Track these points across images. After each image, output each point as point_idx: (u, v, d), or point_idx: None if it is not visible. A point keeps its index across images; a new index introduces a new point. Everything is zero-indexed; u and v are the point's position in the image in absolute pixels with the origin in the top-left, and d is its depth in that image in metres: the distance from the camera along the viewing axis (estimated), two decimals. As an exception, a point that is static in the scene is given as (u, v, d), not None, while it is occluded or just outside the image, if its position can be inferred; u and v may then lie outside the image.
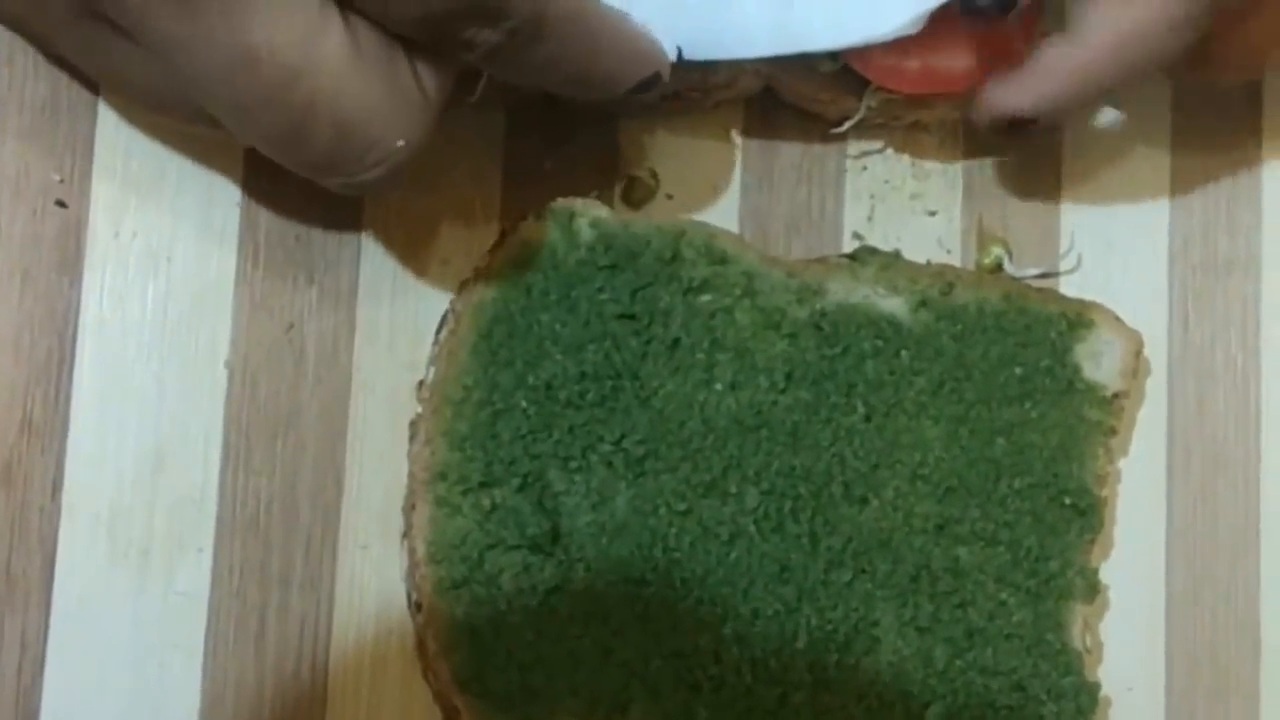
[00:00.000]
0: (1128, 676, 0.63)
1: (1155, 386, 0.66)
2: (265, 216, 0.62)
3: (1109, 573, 0.63)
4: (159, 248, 0.61)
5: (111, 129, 0.61)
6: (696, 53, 0.59)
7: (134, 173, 0.61)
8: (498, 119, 0.64)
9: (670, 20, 0.59)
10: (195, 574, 0.60)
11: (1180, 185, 0.67)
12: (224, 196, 0.62)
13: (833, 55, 0.61)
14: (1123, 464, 0.65)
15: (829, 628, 0.60)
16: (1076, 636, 0.62)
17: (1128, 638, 0.64)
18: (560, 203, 0.61)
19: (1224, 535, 0.65)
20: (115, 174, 0.61)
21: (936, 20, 0.60)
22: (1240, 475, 0.66)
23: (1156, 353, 0.66)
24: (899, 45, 0.60)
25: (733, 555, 0.59)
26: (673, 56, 0.59)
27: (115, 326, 0.61)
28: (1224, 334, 0.66)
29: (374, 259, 0.62)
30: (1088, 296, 0.64)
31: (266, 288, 0.62)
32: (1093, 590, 0.62)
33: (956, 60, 0.62)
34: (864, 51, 0.60)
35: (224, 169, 0.62)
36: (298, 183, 0.61)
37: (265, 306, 0.62)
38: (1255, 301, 0.67)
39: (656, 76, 0.57)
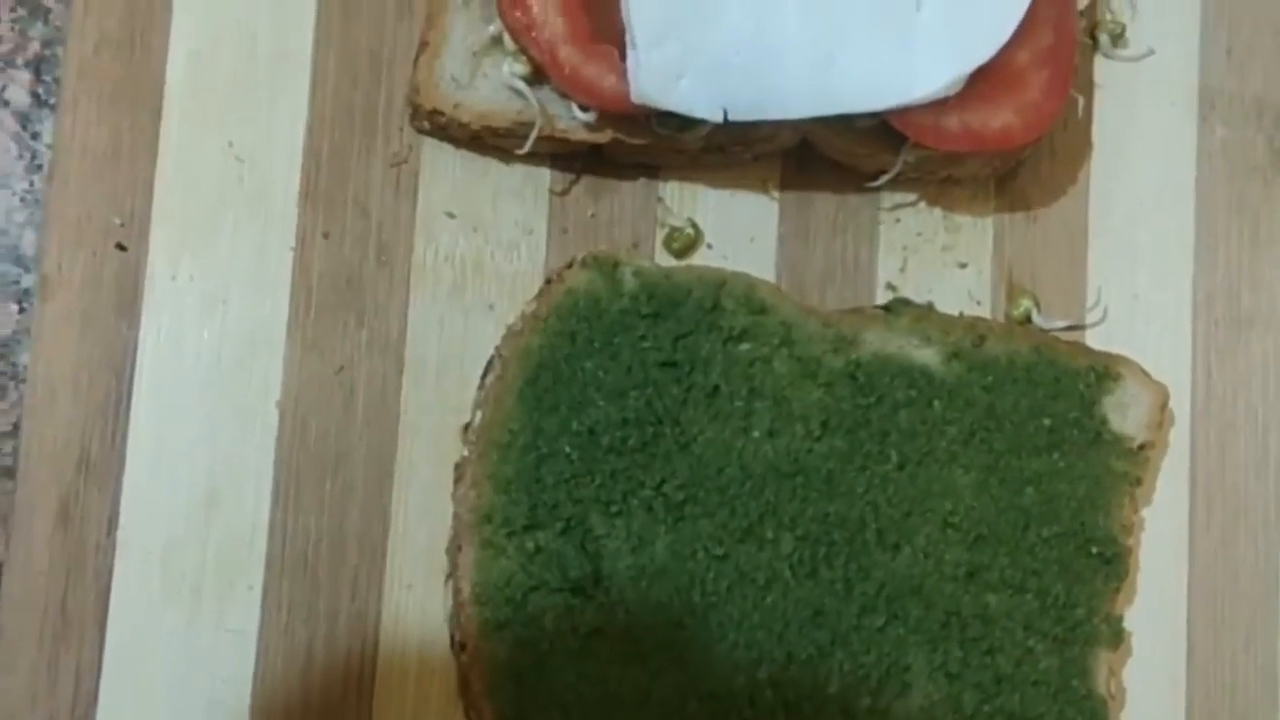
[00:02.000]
0: (1150, 723, 0.64)
1: (1178, 437, 0.67)
2: (318, 261, 0.63)
3: (1132, 620, 0.64)
4: (215, 290, 0.62)
5: (170, 174, 0.63)
6: (741, 114, 0.61)
7: (192, 217, 0.63)
8: (544, 169, 0.65)
9: (717, 82, 0.60)
10: (245, 611, 0.61)
11: (1204, 241, 0.69)
12: (278, 241, 0.63)
13: (872, 112, 0.62)
14: (1146, 513, 0.66)
15: (861, 672, 0.60)
16: (1101, 683, 0.63)
17: (1150, 684, 0.65)
18: (604, 251, 0.62)
19: (1244, 583, 0.66)
20: (174, 218, 0.62)
21: (974, 80, 0.62)
22: (1260, 524, 0.67)
23: (1180, 404, 0.67)
24: (938, 103, 0.62)
25: (768, 600, 0.60)
26: (719, 118, 0.60)
27: (171, 367, 0.62)
28: (1245, 387, 0.68)
29: (422, 304, 0.64)
30: (1114, 349, 0.66)
31: (318, 330, 0.63)
32: (1117, 637, 0.63)
33: (993, 118, 0.63)
34: (903, 109, 0.62)
35: (279, 214, 0.63)
36: (350, 228, 0.63)
37: (316, 349, 0.63)
38: (1276, 355, 0.68)
39: None
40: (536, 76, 0.62)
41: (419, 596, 0.61)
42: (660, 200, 0.66)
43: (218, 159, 0.63)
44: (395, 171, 0.64)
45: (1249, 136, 0.69)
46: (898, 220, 0.67)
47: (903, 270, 0.67)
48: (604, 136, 0.63)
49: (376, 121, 0.64)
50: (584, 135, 0.63)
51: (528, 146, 0.62)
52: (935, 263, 0.67)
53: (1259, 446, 0.67)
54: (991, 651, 0.62)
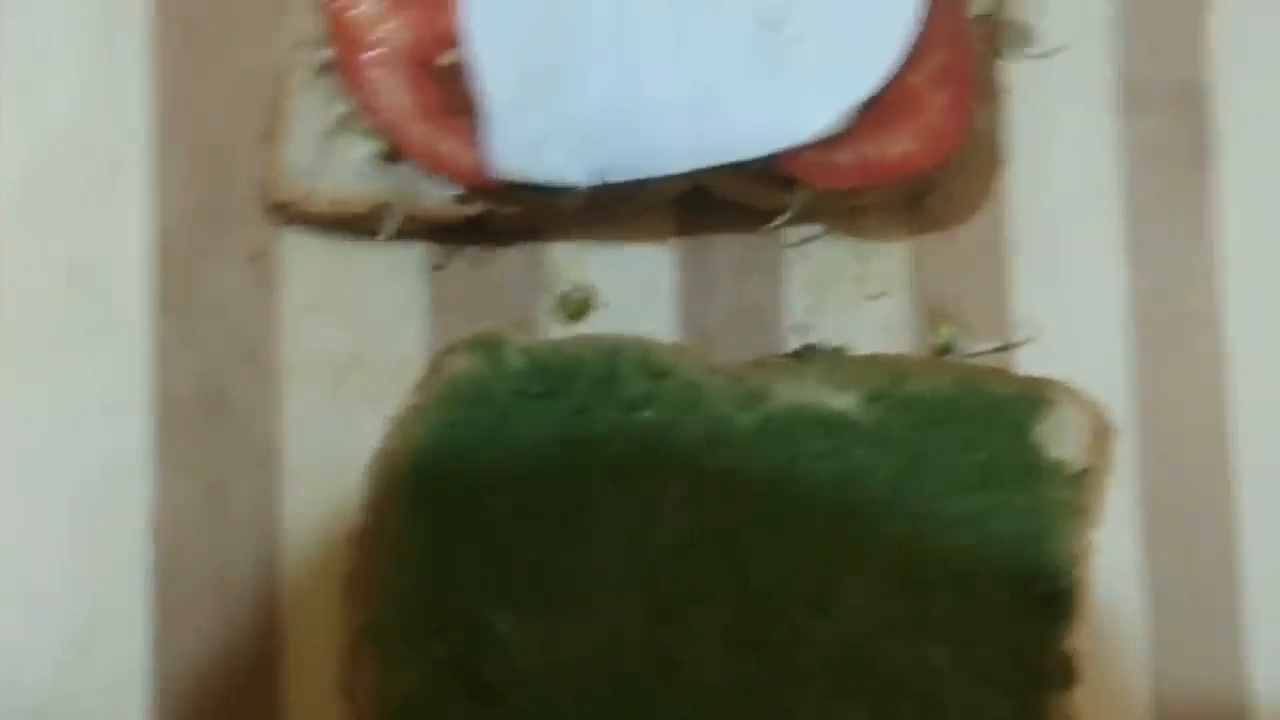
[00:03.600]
0: (1116, 761, 0.62)
1: (1126, 451, 0.64)
2: (179, 375, 0.60)
3: (1090, 651, 0.61)
4: (68, 423, 0.60)
5: (3, 305, 0.60)
6: (615, 174, 0.58)
7: (32, 348, 0.60)
8: (417, 248, 0.62)
9: (585, 145, 0.57)
10: (134, 760, 0.58)
11: (1136, 241, 0.65)
12: (133, 359, 0.60)
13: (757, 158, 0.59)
14: (1097, 536, 0.63)
15: (806, 746, 0.58)
16: (1060, 725, 0.60)
17: (1113, 716, 0.62)
18: (485, 332, 0.60)
19: (1206, 601, 0.63)
20: (10, 352, 0.60)
21: (867, 109, 0.58)
22: (1220, 534, 0.64)
23: (1126, 414, 0.64)
24: (828, 140, 0.58)
25: (699, 682, 0.58)
26: (594, 180, 0.57)
27: (22, 513, 0.59)
28: (1193, 390, 0.64)
29: (297, 407, 0.60)
30: (1047, 365, 0.63)
31: (186, 449, 0.60)
32: (1073, 676, 0.60)
33: (891, 147, 0.60)
34: (791, 150, 0.58)
35: (131, 330, 0.60)
36: (211, 336, 0.60)
37: (186, 468, 0.60)
38: (1221, 354, 0.65)
39: None
40: (394, 154, 0.58)
41: (322, 717, 0.59)
42: (548, 264, 0.62)
43: (56, 281, 0.60)
44: (254, 269, 0.61)
45: (1175, 124, 0.66)
46: (805, 256, 0.64)
47: (815, 309, 0.64)
48: (475, 209, 0.59)
49: (228, 218, 0.61)
50: (453, 210, 0.59)
51: (386, 233, 0.59)
52: (849, 296, 0.64)
53: (1213, 452, 0.64)
54: (942, 709, 0.59)
